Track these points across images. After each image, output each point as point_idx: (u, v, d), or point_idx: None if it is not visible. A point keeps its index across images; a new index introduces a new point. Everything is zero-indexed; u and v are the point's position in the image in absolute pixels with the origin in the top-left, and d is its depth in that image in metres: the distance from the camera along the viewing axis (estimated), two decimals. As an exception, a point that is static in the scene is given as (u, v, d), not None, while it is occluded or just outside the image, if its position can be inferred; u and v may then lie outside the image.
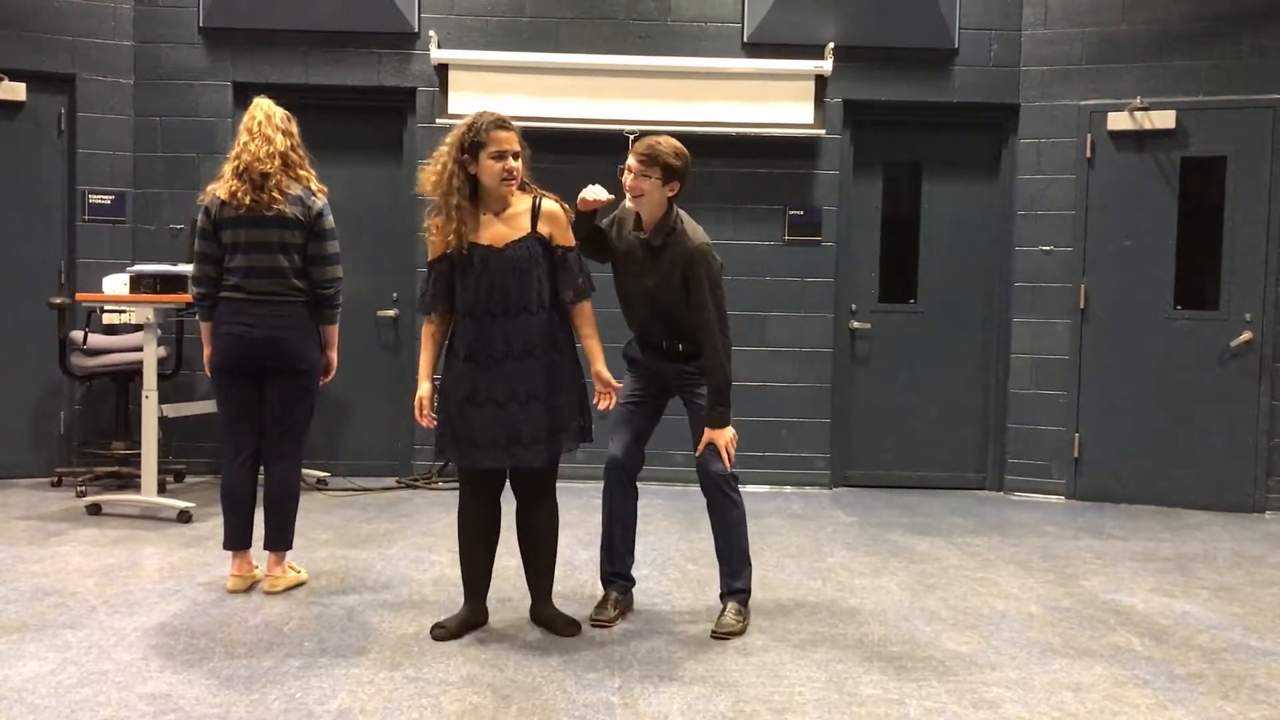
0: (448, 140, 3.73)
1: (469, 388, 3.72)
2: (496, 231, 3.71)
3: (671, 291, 3.92)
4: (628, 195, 3.94)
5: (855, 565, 5.03)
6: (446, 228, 3.68)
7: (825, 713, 3.25)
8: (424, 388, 3.87)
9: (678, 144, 3.94)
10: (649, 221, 3.96)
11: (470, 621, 3.89)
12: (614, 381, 3.85)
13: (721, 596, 4.06)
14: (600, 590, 4.21)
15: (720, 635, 3.88)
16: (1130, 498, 6.70)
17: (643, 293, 4.00)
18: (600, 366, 3.84)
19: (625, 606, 4.15)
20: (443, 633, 3.81)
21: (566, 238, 3.81)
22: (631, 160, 3.92)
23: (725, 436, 3.91)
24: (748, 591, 4.06)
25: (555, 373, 3.77)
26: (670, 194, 3.92)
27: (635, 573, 4.27)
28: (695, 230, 3.94)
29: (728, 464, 3.93)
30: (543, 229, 3.75)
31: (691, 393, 4.02)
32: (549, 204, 3.79)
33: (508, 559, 4.95)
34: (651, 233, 3.94)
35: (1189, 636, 4.07)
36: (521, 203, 3.77)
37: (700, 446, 3.95)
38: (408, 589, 4.45)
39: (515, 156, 3.70)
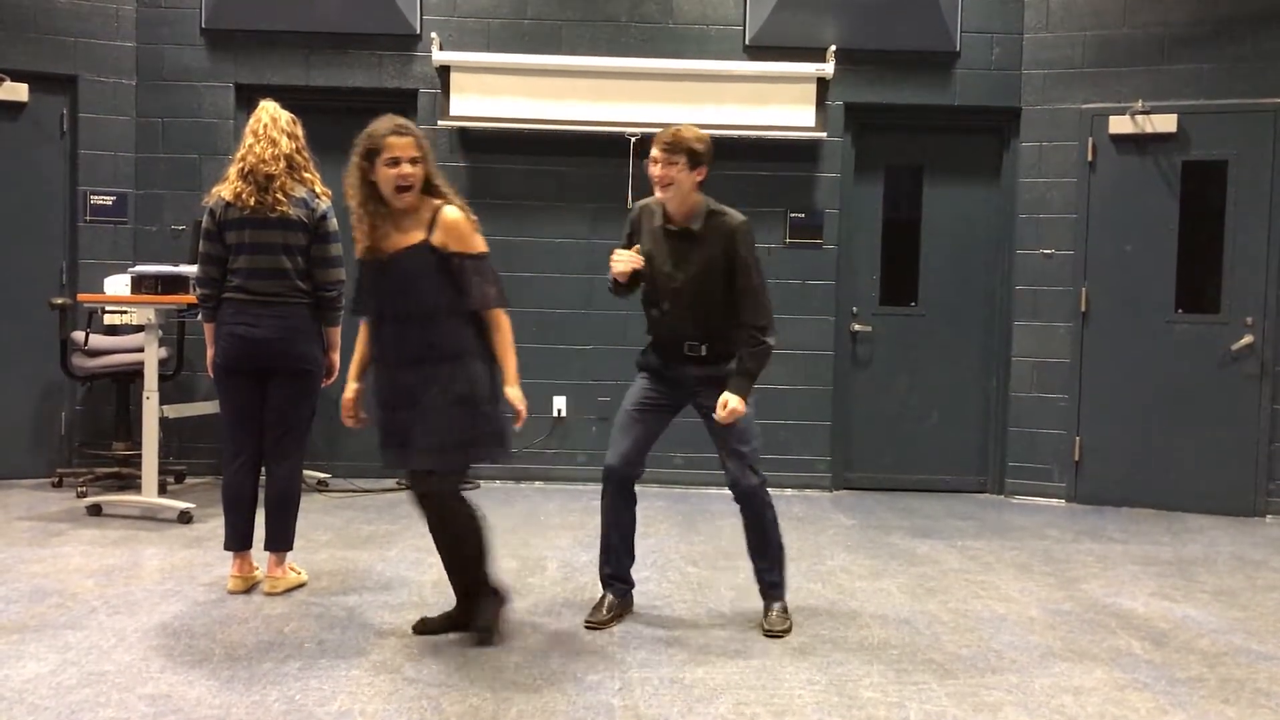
0: (354, 150, 3.72)
1: (374, 390, 3.77)
2: (398, 238, 3.67)
3: (711, 278, 3.90)
4: (656, 188, 3.93)
5: (855, 568, 5.03)
6: (360, 232, 3.68)
7: (825, 715, 3.25)
8: (350, 389, 3.90)
9: (698, 129, 3.95)
10: (682, 210, 3.95)
11: (455, 620, 3.89)
12: (520, 404, 3.71)
13: (763, 593, 4.11)
14: (600, 592, 4.21)
15: (775, 634, 3.95)
16: (1131, 501, 6.69)
17: (676, 286, 3.96)
18: (509, 385, 3.72)
19: (622, 609, 4.14)
20: (422, 628, 3.87)
21: (464, 245, 3.68)
22: (655, 151, 3.90)
23: (743, 407, 3.86)
24: (783, 585, 4.12)
25: (452, 381, 3.63)
26: (698, 179, 3.92)
27: (635, 575, 4.26)
28: (732, 210, 3.97)
29: (729, 418, 3.85)
30: (437, 238, 3.65)
31: (709, 402, 3.94)
32: (447, 213, 3.68)
33: (508, 560, 4.95)
34: (689, 219, 3.94)
35: (1190, 640, 4.07)
36: (427, 209, 3.70)
37: (723, 417, 3.85)
38: (408, 590, 4.45)
39: (413, 163, 3.63)
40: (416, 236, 3.66)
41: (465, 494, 3.83)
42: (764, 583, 4.11)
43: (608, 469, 4.08)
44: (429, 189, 3.72)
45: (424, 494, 3.77)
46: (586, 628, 3.98)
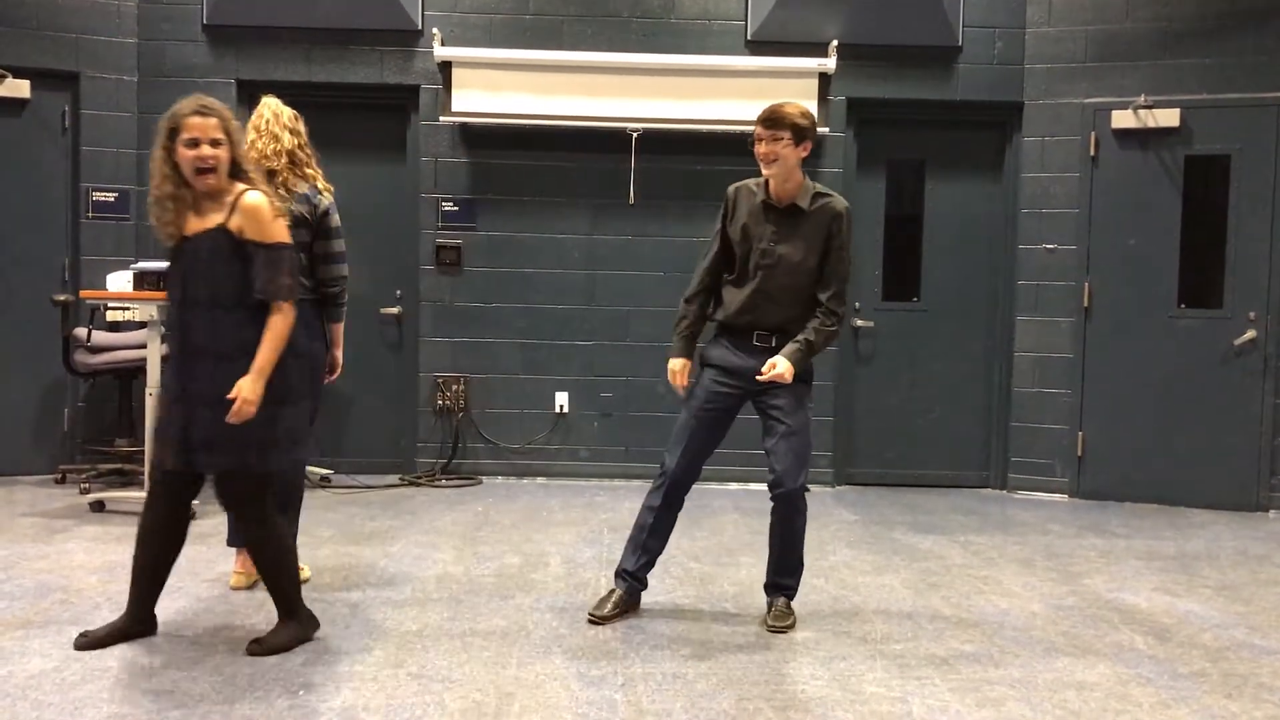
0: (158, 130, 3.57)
1: (165, 381, 3.63)
2: (198, 222, 3.53)
3: (805, 258, 3.88)
4: (762, 166, 3.90)
5: (858, 563, 5.03)
6: (160, 216, 3.54)
7: (828, 710, 3.25)
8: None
9: (800, 105, 3.94)
10: (787, 187, 3.92)
11: (121, 631, 3.65)
12: (249, 399, 3.42)
13: (767, 588, 4.11)
14: (607, 587, 4.20)
15: (778, 629, 3.93)
16: (1134, 496, 6.69)
17: (770, 263, 3.91)
18: (251, 374, 3.45)
19: (627, 607, 4.09)
20: (84, 641, 3.60)
21: (263, 234, 3.50)
22: (757, 129, 3.88)
23: (791, 374, 3.80)
24: (795, 589, 4.09)
25: (236, 379, 3.45)
26: (803, 154, 3.89)
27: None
28: (838, 196, 3.99)
29: (770, 373, 3.80)
30: (234, 223, 3.49)
31: (770, 407, 3.91)
32: (250, 198, 3.51)
33: (511, 556, 4.96)
34: (798, 196, 3.91)
35: (1192, 635, 4.07)
36: (232, 193, 3.53)
37: (767, 374, 3.78)
38: (411, 586, 4.45)
39: (214, 144, 3.47)
40: (214, 220, 3.50)
41: (268, 508, 3.64)
42: (775, 584, 4.09)
43: (667, 474, 4.00)
44: (237, 174, 3.56)
45: (228, 504, 3.62)
46: (589, 621, 3.98)
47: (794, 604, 4.09)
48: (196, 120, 3.47)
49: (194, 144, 3.46)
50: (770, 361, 3.80)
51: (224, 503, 3.65)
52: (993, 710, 3.28)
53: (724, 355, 4.01)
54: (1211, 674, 3.65)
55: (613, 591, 4.11)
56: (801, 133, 3.86)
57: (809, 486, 4.01)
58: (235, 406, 3.42)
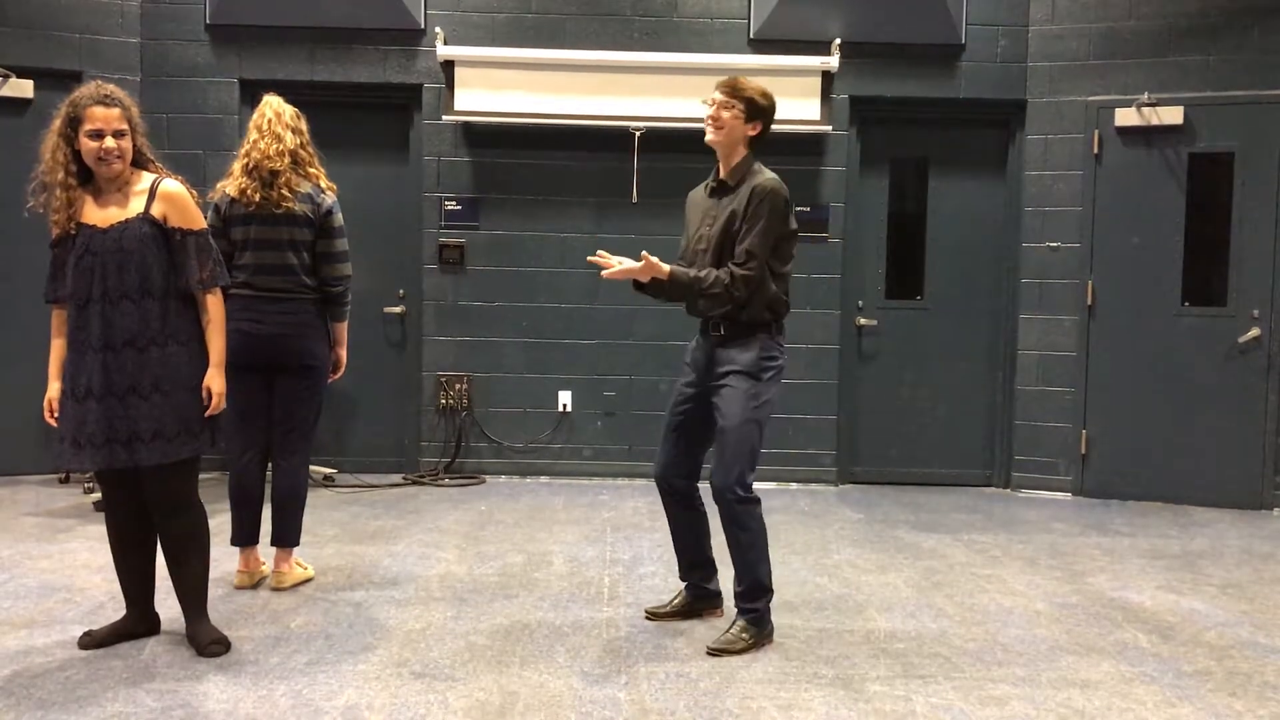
0: (56, 115, 3.49)
1: (70, 380, 3.47)
2: (106, 213, 3.45)
3: (731, 235, 3.70)
4: (708, 129, 3.76)
5: (862, 562, 5.03)
6: (54, 207, 3.47)
7: (831, 709, 3.25)
8: (54, 387, 3.58)
9: (767, 88, 3.79)
10: (727, 162, 3.80)
11: (123, 631, 3.67)
12: (216, 389, 3.49)
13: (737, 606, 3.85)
14: (610, 585, 4.20)
15: (713, 650, 3.68)
16: (1137, 494, 6.68)
17: (702, 247, 3.77)
18: (211, 369, 3.50)
19: (687, 608, 4.07)
20: (88, 641, 3.61)
21: (186, 220, 3.49)
22: (715, 94, 3.75)
23: (650, 273, 3.63)
24: (760, 615, 3.78)
25: (170, 366, 3.45)
26: (751, 133, 3.76)
27: (644, 569, 4.27)
28: (774, 176, 3.75)
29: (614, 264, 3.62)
30: (157, 210, 3.45)
31: (713, 404, 3.75)
32: (169, 185, 3.49)
33: (514, 555, 4.96)
34: (728, 173, 3.79)
35: (1197, 633, 4.07)
36: (142, 182, 3.49)
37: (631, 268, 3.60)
38: (415, 585, 4.45)
39: (117, 135, 3.41)
40: (132, 210, 3.45)
41: (200, 498, 3.61)
42: (736, 602, 3.83)
43: (654, 474, 4.01)
44: (140, 162, 3.52)
45: (171, 492, 3.52)
46: (645, 615, 4.06)
47: (798, 602, 4.09)
48: (100, 111, 3.41)
49: (98, 135, 3.40)
50: (642, 268, 3.62)
51: (156, 502, 3.53)
52: (996, 709, 3.28)
53: (691, 350, 3.94)
54: (1216, 672, 3.65)
55: (679, 591, 4.14)
56: (756, 110, 3.73)
57: (753, 494, 3.71)
58: (214, 403, 3.49)
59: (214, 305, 3.55)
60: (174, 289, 3.49)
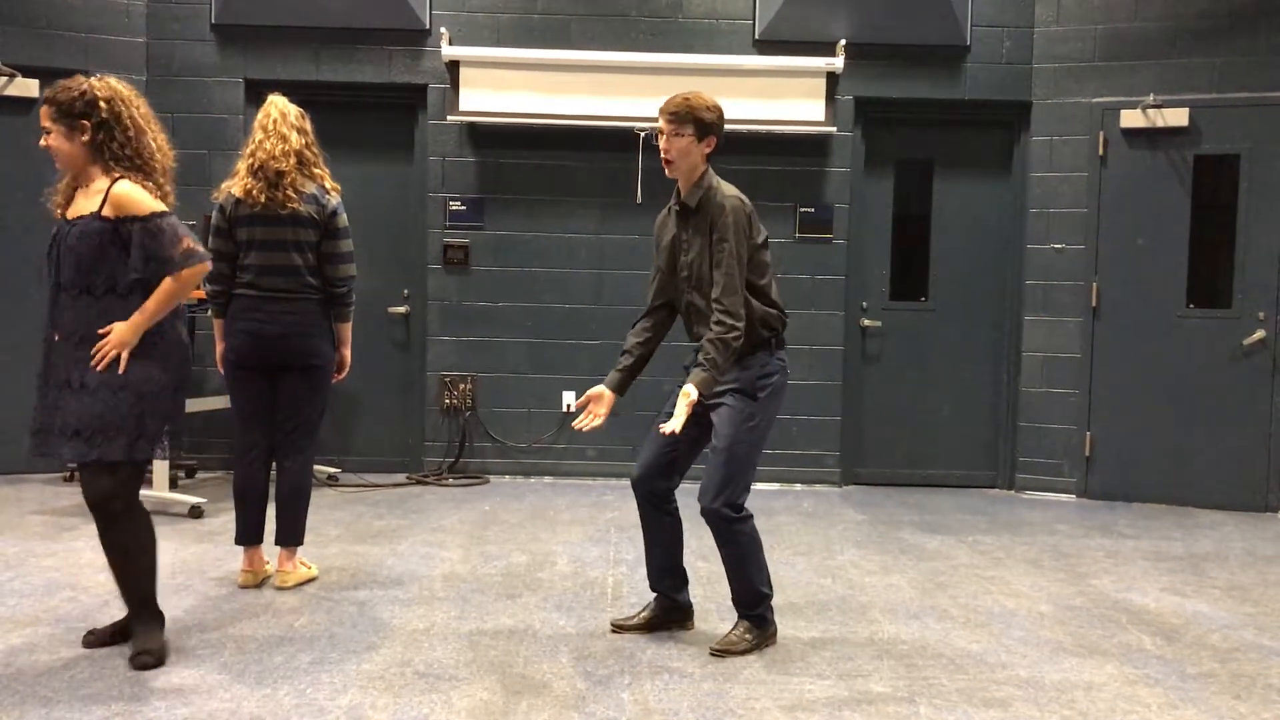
0: None
1: (38, 368, 3.50)
2: (76, 206, 3.51)
3: (705, 258, 3.62)
4: (664, 164, 3.68)
5: (865, 563, 5.03)
6: (56, 201, 3.62)
7: (835, 710, 3.24)
8: None
9: (708, 97, 3.68)
10: (687, 184, 3.69)
11: (127, 629, 3.58)
12: (118, 342, 3.36)
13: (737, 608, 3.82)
14: (614, 585, 4.19)
15: (716, 651, 3.67)
16: (1142, 496, 6.68)
17: (685, 276, 3.71)
18: (130, 321, 3.39)
19: (653, 620, 3.90)
20: (92, 639, 3.59)
21: (135, 209, 3.43)
22: (661, 122, 3.66)
23: (691, 397, 3.52)
24: (762, 617, 3.76)
25: (122, 365, 3.37)
26: (707, 150, 3.66)
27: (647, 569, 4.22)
28: (730, 188, 3.67)
29: (677, 427, 3.52)
30: (108, 210, 3.41)
31: (709, 422, 3.67)
32: (120, 187, 3.43)
33: (518, 555, 4.96)
34: (688, 194, 3.68)
35: (1201, 636, 4.06)
36: (99, 182, 3.48)
37: (674, 427, 3.51)
38: (418, 584, 4.46)
39: (45, 133, 3.51)
40: (90, 208, 3.45)
41: (140, 501, 3.52)
42: (735, 608, 3.80)
43: (633, 479, 3.86)
44: (117, 161, 3.47)
45: (95, 495, 3.42)
46: (611, 628, 3.92)
47: (802, 603, 4.08)
48: (42, 109, 3.51)
49: (46, 132, 3.52)
50: (684, 391, 3.55)
51: (88, 500, 3.45)
52: (1000, 710, 3.27)
53: (692, 357, 3.81)
54: (1220, 675, 3.64)
55: (648, 604, 3.97)
56: (706, 127, 3.63)
57: (744, 513, 3.65)
58: (104, 347, 3.35)
59: (168, 280, 3.41)
60: (119, 288, 3.42)
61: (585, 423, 3.71)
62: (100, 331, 3.39)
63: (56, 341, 3.46)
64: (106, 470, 3.39)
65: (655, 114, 3.80)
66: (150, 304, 3.41)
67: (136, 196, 3.43)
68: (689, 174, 3.69)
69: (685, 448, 3.80)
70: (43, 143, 3.51)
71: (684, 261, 3.73)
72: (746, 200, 3.67)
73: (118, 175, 3.46)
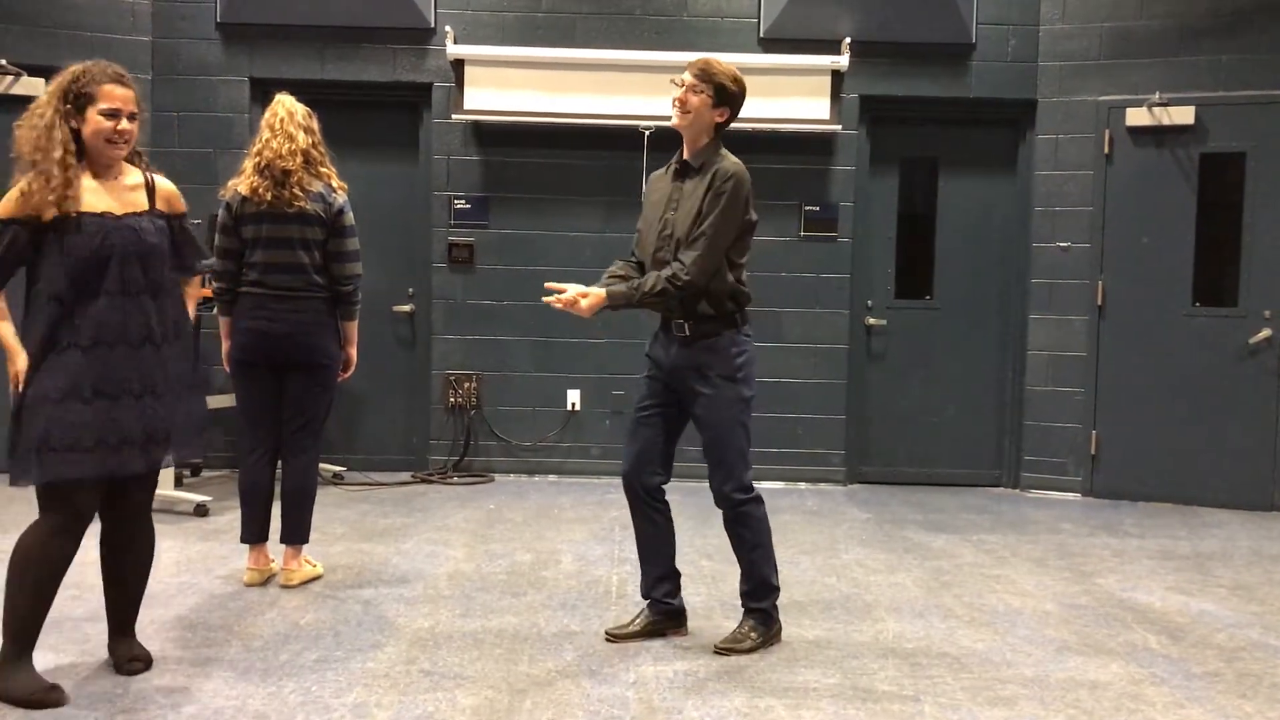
0: (49, 89, 3.26)
1: (94, 379, 3.12)
2: (113, 201, 3.21)
3: (692, 219, 3.56)
4: (674, 112, 3.64)
5: (870, 562, 5.02)
6: (48, 189, 3.09)
7: (840, 709, 3.24)
8: (22, 360, 3.14)
9: (736, 70, 3.68)
10: (694, 147, 3.67)
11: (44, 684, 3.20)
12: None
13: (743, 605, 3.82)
14: (618, 584, 4.19)
15: (721, 649, 3.67)
16: (1147, 495, 6.66)
17: (665, 235, 3.64)
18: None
19: (649, 627, 3.83)
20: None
21: (181, 207, 3.43)
22: (685, 75, 3.63)
23: (584, 301, 3.54)
24: (767, 614, 3.77)
25: (171, 365, 3.29)
26: (719, 119, 3.65)
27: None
28: (739, 163, 3.66)
29: (568, 295, 3.53)
30: (162, 206, 3.33)
31: (692, 414, 3.69)
32: (165, 183, 3.37)
33: (523, 553, 4.96)
34: (692, 155, 3.66)
35: (1206, 635, 4.05)
36: (132, 175, 3.30)
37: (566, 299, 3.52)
38: (423, 583, 4.46)
39: (131, 118, 3.22)
40: (138, 203, 3.27)
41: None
42: (743, 601, 3.80)
43: (623, 475, 3.83)
44: (137, 150, 3.37)
45: (144, 503, 3.37)
46: (606, 637, 3.84)
47: (806, 601, 4.08)
48: (119, 91, 3.20)
49: (114, 115, 3.18)
50: (577, 294, 3.54)
51: (137, 505, 3.36)
52: (1005, 709, 3.27)
53: (653, 347, 3.79)
54: (1226, 674, 3.63)
55: (640, 611, 3.91)
56: (725, 95, 3.62)
57: (754, 493, 3.69)
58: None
59: (194, 291, 3.61)
60: (174, 281, 3.38)
61: (555, 297, 3.62)
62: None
63: (135, 348, 3.19)
64: (155, 477, 3.38)
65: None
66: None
67: (178, 192, 3.44)
68: (696, 136, 3.66)
69: (666, 433, 3.78)
70: (126, 126, 3.21)
71: (670, 218, 3.66)
72: (749, 177, 3.66)
73: (144, 166, 3.37)
